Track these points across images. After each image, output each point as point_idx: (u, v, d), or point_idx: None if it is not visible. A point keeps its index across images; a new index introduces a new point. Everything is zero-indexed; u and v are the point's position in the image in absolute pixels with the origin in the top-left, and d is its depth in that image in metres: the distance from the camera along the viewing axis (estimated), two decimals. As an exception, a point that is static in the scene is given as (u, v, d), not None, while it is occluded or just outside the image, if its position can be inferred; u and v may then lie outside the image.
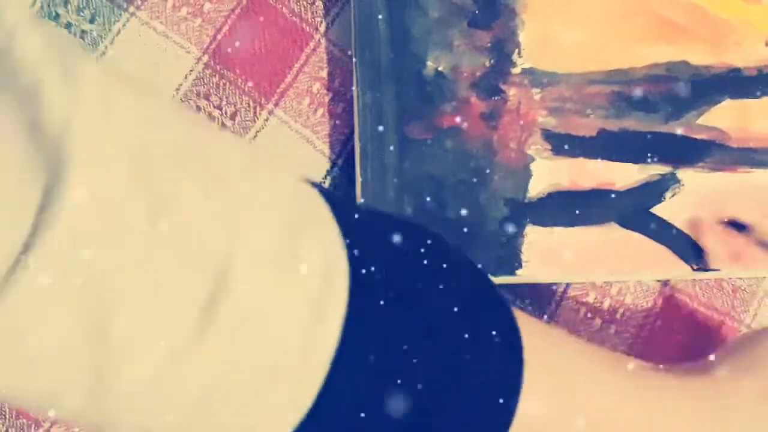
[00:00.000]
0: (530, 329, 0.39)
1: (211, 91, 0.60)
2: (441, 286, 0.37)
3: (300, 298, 0.33)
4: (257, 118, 0.60)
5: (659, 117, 0.59)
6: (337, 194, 0.38)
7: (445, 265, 0.38)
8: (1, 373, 0.32)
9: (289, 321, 0.33)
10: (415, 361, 0.35)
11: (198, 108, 0.60)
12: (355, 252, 0.35)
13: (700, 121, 0.59)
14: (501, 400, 0.37)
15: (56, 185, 0.30)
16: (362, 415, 0.34)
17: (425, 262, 0.37)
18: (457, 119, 0.59)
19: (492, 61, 0.60)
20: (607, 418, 0.41)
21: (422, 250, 0.38)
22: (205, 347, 0.32)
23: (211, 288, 0.32)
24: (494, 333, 0.38)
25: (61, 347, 0.31)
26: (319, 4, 0.62)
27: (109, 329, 0.31)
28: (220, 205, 0.33)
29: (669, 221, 0.58)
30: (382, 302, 0.35)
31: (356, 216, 0.37)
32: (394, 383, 0.35)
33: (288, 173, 0.36)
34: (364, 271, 0.35)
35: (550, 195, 0.58)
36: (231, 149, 0.35)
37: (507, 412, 0.37)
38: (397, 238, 0.37)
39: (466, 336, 0.37)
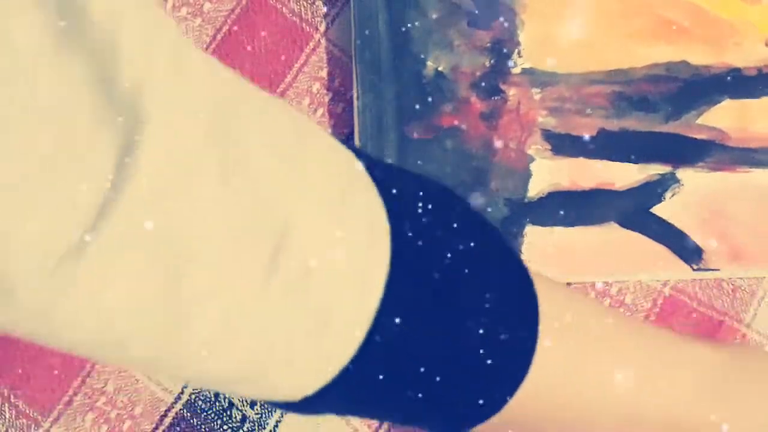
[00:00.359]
0: (543, 284, 0.41)
1: (211, 91, 0.60)
2: (467, 241, 0.39)
3: (350, 252, 0.35)
4: (257, 118, 0.60)
5: (659, 117, 0.59)
6: (362, 150, 0.40)
7: (467, 221, 0.39)
8: (79, 324, 0.32)
9: (340, 274, 0.35)
10: (444, 315, 0.37)
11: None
12: (391, 207, 0.37)
13: (700, 120, 0.59)
14: (518, 352, 0.39)
15: (132, 142, 0.30)
16: (401, 363, 0.37)
17: (450, 219, 0.39)
18: (457, 119, 0.59)
19: (492, 61, 0.60)
20: (616, 370, 0.42)
21: (445, 208, 0.39)
22: (268, 300, 0.34)
23: (275, 243, 0.33)
24: (511, 285, 0.39)
25: (137, 299, 0.32)
26: (319, 3, 0.62)
27: (181, 282, 0.32)
28: (282, 163, 0.34)
29: (669, 221, 0.58)
30: (417, 255, 0.37)
31: (384, 172, 0.39)
32: (425, 337, 0.37)
33: (323, 131, 0.38)
34: (401, 226, 0.37)
35: (549, 195, 0.58)
36: (281, 106, 0.36)
37: (524, 360, 0.39)
38: (423, 195, 0.39)
39: (490, 291, 0.39)
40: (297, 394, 0.37)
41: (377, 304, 0.36)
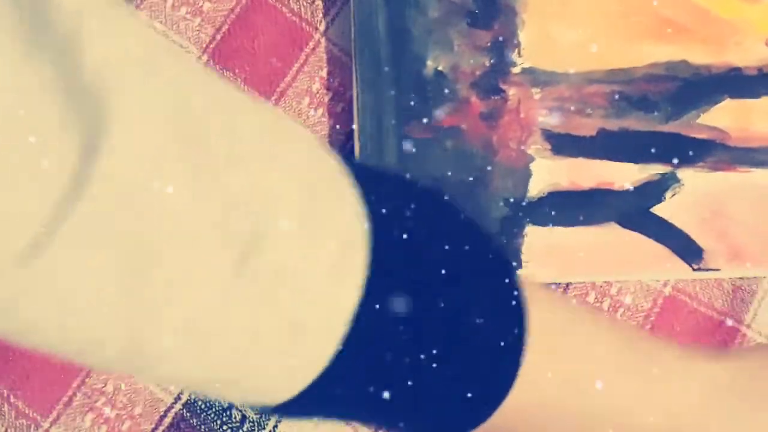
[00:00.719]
0: (536, 291, 0.40)
1: (211, 90, 0.60)
2: (453, 250, 0.38)
3: (324, 257, 0.35)
4: (257, 118, 0.60)
5: (659, 116, 0.59)
6: (350, 157, 0.39)
7: (455, 229, 0.39)
8: (45, 324, 0.32)
9: (313, 280, 0.34)
10: (426, 324, 0.37)
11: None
12: (372, 213, 0.36)
13: (700, 120, 0.59)
14: (505, 360, 0.38)
15: (97, 138, 0.30)
16: (373, 372, 0.36)
17: (437, 223, 0.38)
18: (457, 119, 0.59)
19: (492, 61, 0.60)
20: (609, 385, 0.41)
21: (434, 213, 0.39)
22: (236, 301, 0.33)
23: (244, 245, 0.33)
24: (499, 295, 0.39)
25: (102, 297, 0.32)
26: (319, 3, 0.62)
27: (146, 281, 0.32)
28: (256, 166, 0.34)
29: (669, 221, 0.58)
30: (398, 263, 0.36)
31: (371, 177, 0.38)
32: (406, 345, 0.36)
33: (308, 134, 0.37)
34: (381, 232, 0.36)
35: (550, 195, 0.58)
36: (259, 109, 0.36)
37: (511, 369, 0.38)
38: (411, 201, 0.38)
39: (475, 299, 0.38)
40: (276, 398, 0.36)
41: (354, 308, 0.35)
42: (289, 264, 0.34)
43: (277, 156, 0.35)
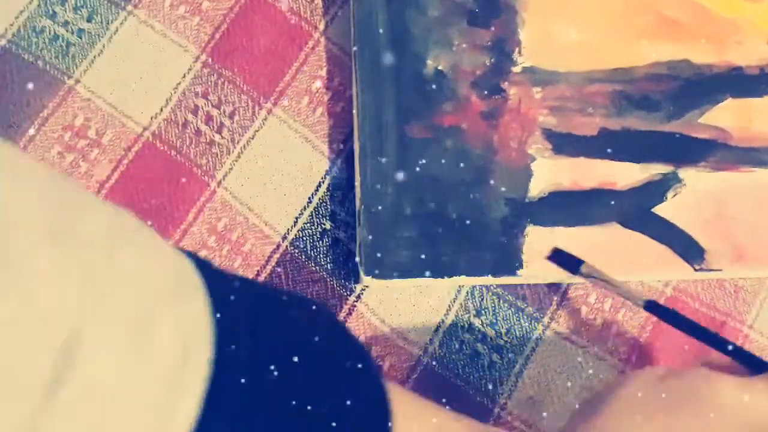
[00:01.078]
0: (402, 406, 0.38)
1: (210, 90, 0.60)
2: (311, 362, 0.36)
3: (153, 377, 0.32)
4: (256, 117, 0.60)
5: (661, 116, 0.59)
6: (214, 265, 0.37)
7: (317, 341, 0.37)
8: None
9: (140, 400, 0.32)
10: None
11: (196, 107, 0.60)
12: (224, 327, 0.34)
13: (702, 120, 0.59)
14: None
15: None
16: None
17: (297, 336, 0.37)
18: (457, 118, 0.59)
19: (492, 60, 0.60)
20: None
21: (296, 324, 0.37)
22: (47, 428, 0.30)
23: (56, 365, 0.30)
24: (363, 411, 0.37)
25: None
26: (319, 2, 0.62)
27: None
28: (73, 277, 0.31)
29: (671, 221, 0.58)
30: (245, 381, 0.34)
31: (230, 288, 0.36)
32: None
33: (159, 242, 0.35)
34: (231, 347, 0.34)
35: (550, 195, 0.58)
36: (97, 216, 0.33)
37: None
38: (271, 312, 0.36)
39: (334, 417, 0.36)
40: None
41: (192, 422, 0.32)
42: (109, 383, 0.31)
43: (105, 263, 0.32)
